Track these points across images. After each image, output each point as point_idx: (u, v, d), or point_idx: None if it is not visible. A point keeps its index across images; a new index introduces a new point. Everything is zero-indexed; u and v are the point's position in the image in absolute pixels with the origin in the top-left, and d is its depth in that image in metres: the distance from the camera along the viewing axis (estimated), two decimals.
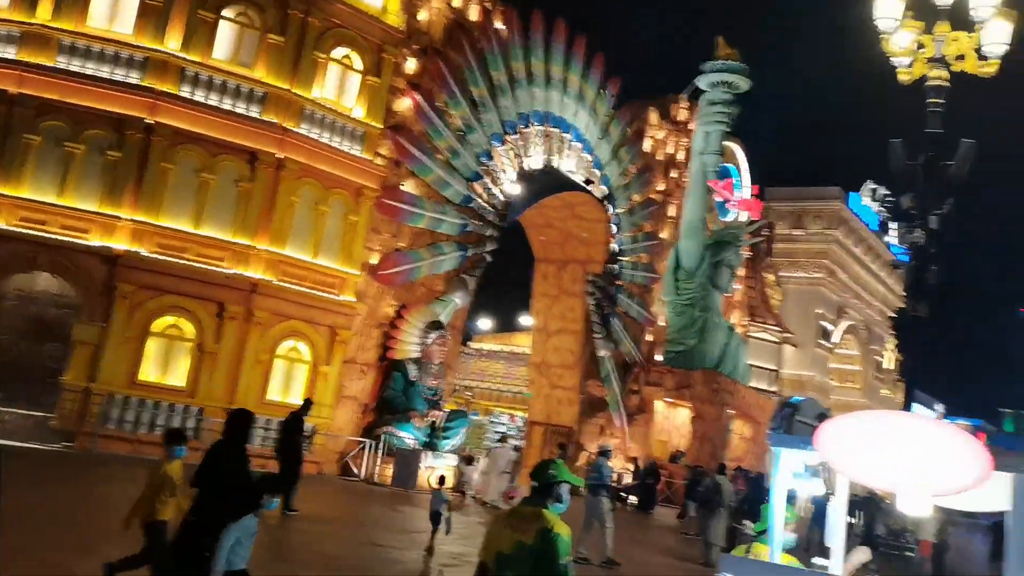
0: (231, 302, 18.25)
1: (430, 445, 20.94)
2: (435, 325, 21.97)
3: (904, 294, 10.46)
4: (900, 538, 18.56)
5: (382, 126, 21.24)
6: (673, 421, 33.89)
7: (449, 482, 19.10)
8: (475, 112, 24.12)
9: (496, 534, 4.25)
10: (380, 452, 20.09)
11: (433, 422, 21.29)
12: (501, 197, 25.31)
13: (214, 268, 18.25)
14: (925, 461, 3.20)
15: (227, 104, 18.74)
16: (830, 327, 49.53)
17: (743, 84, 32.57)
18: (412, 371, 21.52)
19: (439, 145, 23.10)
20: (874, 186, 54.37)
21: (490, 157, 24.86)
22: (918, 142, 10.84)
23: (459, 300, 23.82)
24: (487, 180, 24.81)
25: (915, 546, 16.88)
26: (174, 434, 7.55)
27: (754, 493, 19.36)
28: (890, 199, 55.34)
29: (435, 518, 12.24)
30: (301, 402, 15.58)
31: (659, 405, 33.66)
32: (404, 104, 22.08)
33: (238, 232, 18.61)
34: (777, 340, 42.91)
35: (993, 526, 12.74)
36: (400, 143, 21.73)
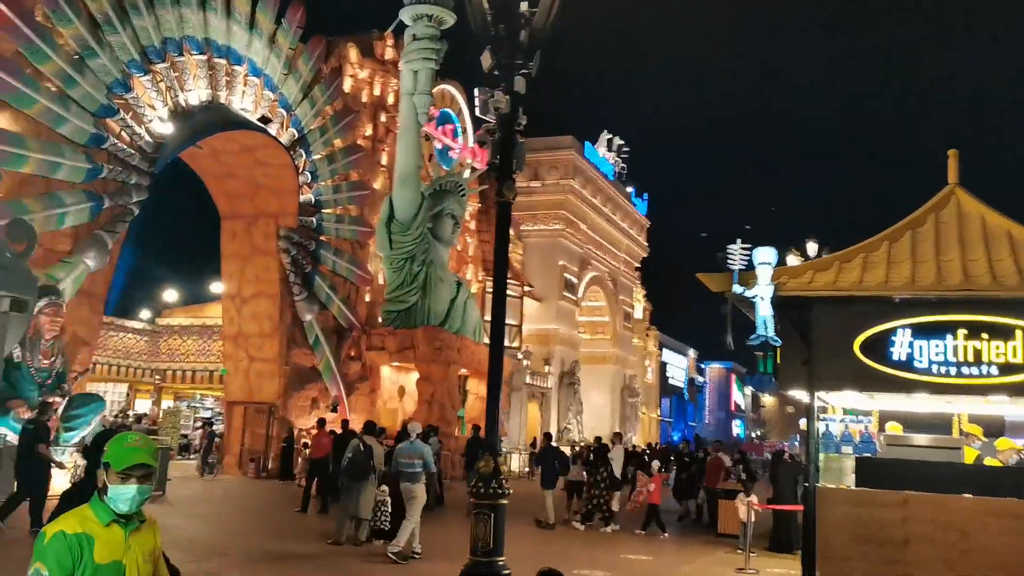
0: None
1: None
2: (44, 291, 17.56)
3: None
4: None
5: None
6: (408, 387, 31.24)
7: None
8: (97, 33, 19.72)
9: None
10: None
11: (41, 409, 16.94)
12: (148, 138, 21.09)
13: None
14: None
15: None
16: (574, 279, 49.00)
17: (448, 18, 29.98)
18: (16, 351, 17.04)
19: (45, 70, 18.54)
20: (610, 136, 54.55)
21: (128, 89, 20.56)
22: None
23: (91, 262, 19.47)
24: (126, 116, 20.52)
25: None
26: None
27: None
28: (626, 150, 55.84)
29: None
30: None
31: (386, 371, 30.87)
32: None
33: None
34: (517, 295, 41.38)
35: None
36: None
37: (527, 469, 34.86)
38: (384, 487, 12.06)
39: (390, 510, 12.11)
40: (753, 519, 13.13)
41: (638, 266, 61.88)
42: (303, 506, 16.66)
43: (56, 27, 18.79)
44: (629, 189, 57.87)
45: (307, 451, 20.62)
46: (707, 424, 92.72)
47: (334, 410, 25.18)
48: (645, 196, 60.20)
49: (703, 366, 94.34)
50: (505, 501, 8.23)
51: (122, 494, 3.08)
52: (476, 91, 8.64)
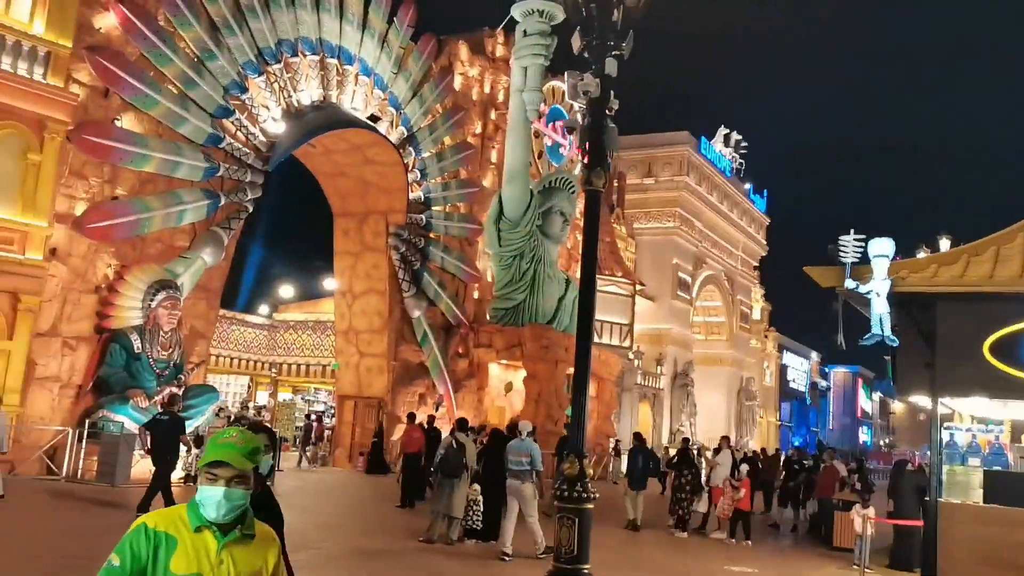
0: None
1: None
2: (163, 285, 18.26)
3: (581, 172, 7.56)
4: None
5: (72, 45, 17.27)
6: (515, 384, 31.11)
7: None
8: (215, 35, 20.38)
9: None
10: (86, 442, 16.37)
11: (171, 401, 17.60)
12: (262, 137, 21.68)
13: None
14: None
15: None
16: (688, 278, 47.76)
17: (558, 13, 29.58)
18: (136, 342, 17.79)
19: (167, 72, 19.30)
20: (727, 131, 52.94)
21: (244, 90, 21.19)
22: None
23: (208, 258, 20.15)
24: (242, 117, 21.15)
25: None
26: None
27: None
28: (744, 146, 54.10)
29: None
30: None
31: (495, 368, 30.80)
32: (108, 20, 18.18)
33: None
34: (628, 293, 40.63)
35: None
36: (103, 66, 17.83)
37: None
38: (476, 486, 11.84)
39: (482, 509, 11.88)
40: (871, 533, 12.22)
41: (756, 265, 59.83)
42: (402, 501, 16.73)
43: (178, 31, 19.52)
44: (747, 186, 56.02)
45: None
46: (831, 430, 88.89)
47: (439, 409, 25.26)
48: (765, 193, 58.15)
49: (827, 370, 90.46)
50: (591, 505, 7.83)
51: (208, 496, 2.67)
52: (565, 75, 8.22)
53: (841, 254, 9.08)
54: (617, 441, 33.27)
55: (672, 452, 24.15)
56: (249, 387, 33.98)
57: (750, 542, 15.62)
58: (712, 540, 15.87)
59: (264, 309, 33.41)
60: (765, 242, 59.44)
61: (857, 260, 9.04)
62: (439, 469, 11.50)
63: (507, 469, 11.42)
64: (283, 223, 55.84)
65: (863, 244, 9.01)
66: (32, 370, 16.53)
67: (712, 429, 44.26)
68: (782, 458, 23.78)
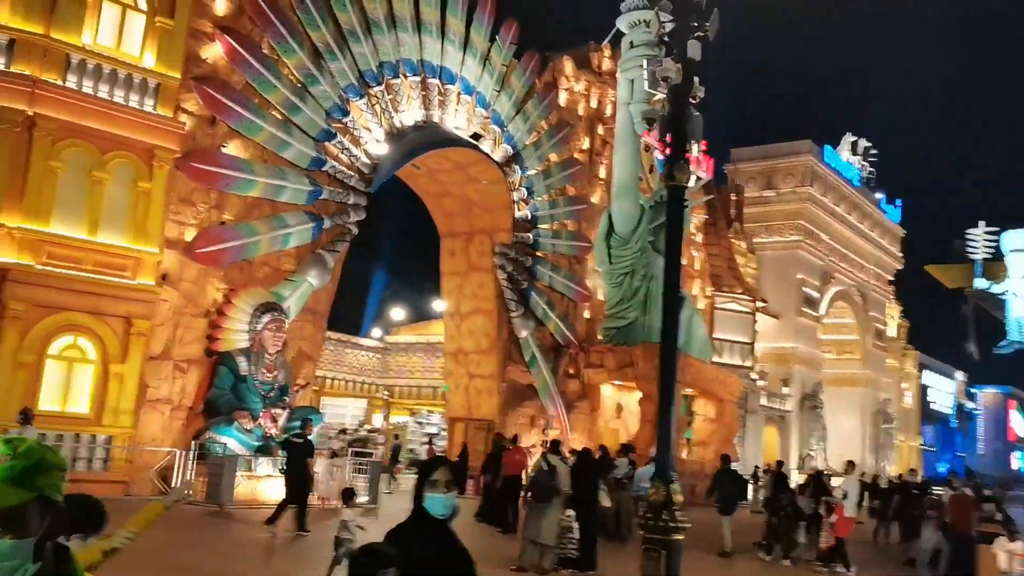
0: None
1: (267, 450, 17.42)
2: (268, 307, 18.44)
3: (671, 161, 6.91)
4: None
5: (180, 76, 17.79)
6: (629, 406, 30.14)
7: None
8: (318, 61, 20.65)
9: None
10: (195, 463, 16.60)
11: (272, 422, 17.74)
12: (365, 159, 21.79)
13: None
14: None
15: None
16: (815, 294, 45.39)
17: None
18: (243, 364, 18.00)
19: (271, 99, 19.65)
20: (854, 138, 50.34)
21: (346, 113, 21.37)
22: None
23: (314, 280, 20.30)
24: (344, 140, 21.32)
25: None
26: None
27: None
28: (874, 153, 51.26)
29: (338, 546, 9.01)
30: None
31: (607, 389, 29.92)
32: (214, 51, 18.67)
33: None
34: (748, 310, 38.93)
35: None
36: (210, 95, 18.29)
37: (760, 497, 32.35)
38: (570, 511, 11.11)
39: (577, 536, 11.14)
40: (1019, 572, 10.74)
41: (891, 279, 56.44)
42: (503, 526, 16.23)
43: (281, 58, 19.87)
44: (878, 196, 53.01)
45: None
46: (981, 455, 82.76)
47: (547, 431, 24.57)
48: (898, 203, 54.86)
49: (974, 390, 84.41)
50: (680, 536, 7.01)
51: None
52: (644, 63, 7.54)
53: (969, 250, 7.95)
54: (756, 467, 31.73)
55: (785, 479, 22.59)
56: (367, 410, 34.30)
57: (851, 572, 14.38)
58: (787, 565, 14.78)
59: (377, 332, 33.77)
60: (901, 254, 56.00)
61: (989, 256, 7.88)
62: (529, 494, 10.86)
63: (644, 497, 10.94)
64: (396, 245, 56.71)
65: (995, 238, 7.85)
66: (144, 392, 16.94)
67: (845, 454, 41.58)
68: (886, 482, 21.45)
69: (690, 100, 7.62)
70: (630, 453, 17.86)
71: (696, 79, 7.66)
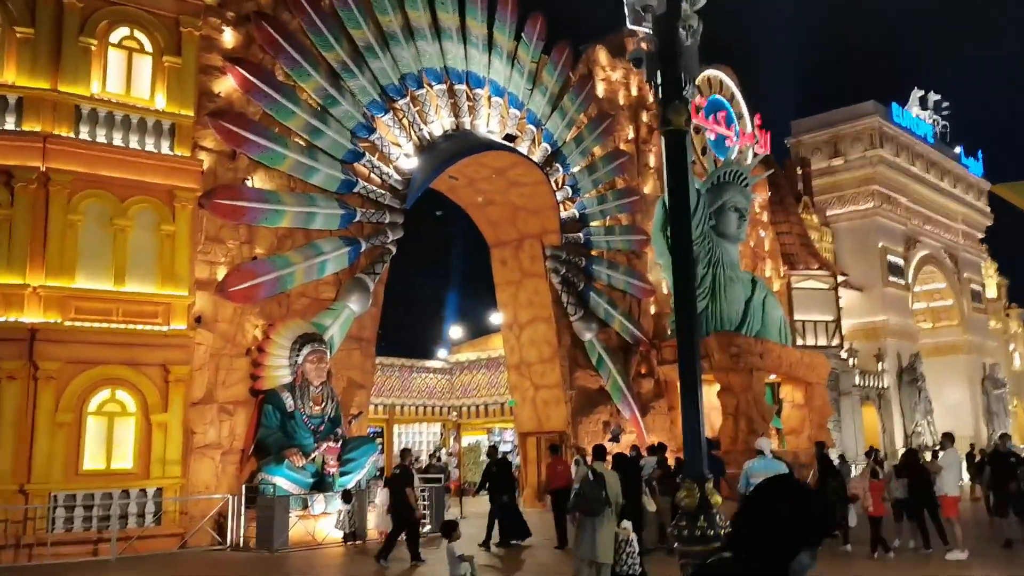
0: (4, 357, 14.59)
1: (322, 486, 16.69)
2: (307, 339, 17.79)
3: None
4: None
5: (193, 114, 17.38)
6: (709, 400, 28.55)
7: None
8: (336, 81, 20.06)
9: None
10: (245, 508, 16.00)
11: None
12: (397, 175, 21.07)
13: None
14: None
15: None
16: (900, 261, 42.77)
17: None
18: (288, 400, 17.37)
19: (292, 125, 19.12)
20: (922, 93, 47.55)
21: (372, 130, 20.70)
22: None
23: (355, 306, 19.60)
24: (373, 158, 20.65)
25: None
26: None
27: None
28: (946, 106, 48.39)
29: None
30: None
31: None
32: (227, 84, 18.23)
33: (2, 271, 14.99)
34: (828, 286, 36.80)
35: None
36: (227, 129, 17.84)
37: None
38: (626, 523, 9.93)
39: (637, 550, 9.95)
40: None
41: (982, 237, 53.00)
42: (559, 541, 15.35)
43: (297, 83, 19.35)
44: (957, 150, 49.88)
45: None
46: None
47: (614, 439, 23.24)
48: (979, 155, 51.52)
49: None
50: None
51: None
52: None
53: None
54: (840, 455, 29.70)
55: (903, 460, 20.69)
56: (442, 434, 33.57)
57: (891, 554, 13.45)
58: (849, 551, 13.31)
59: (442, 352, 33.03)
60: (989, 209, 52.55)
61: None
62: (575, 507, 9.74)
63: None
64: (449, 262, 56.17)
65: None
66: (190, 439, 16.45)
67: (956, 427, 38.82)
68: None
69: (679, 29, 6.48)
70: (661, 452, 16.41)
71: (686, 4, 6.53)
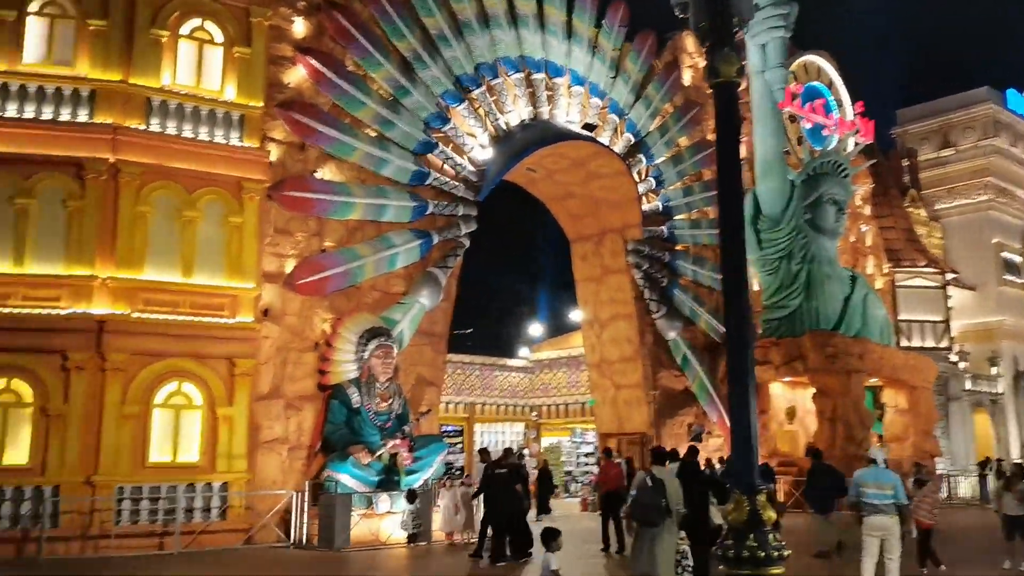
0: (73, 349, 14.67)
1: (388, 484, 16.24)
2: (374, 333, 17.39)
3: None
4: None
5: (262, 104, 17.22)
6: (804, 404, 26.98)
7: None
8: (408, 72, 19.64)
9: None
10: (308, 505, 15.70)
11: (393, 456, 16.57)
12: (471, 167, 20.53)
13: (48, 311, 14.79)
14: None
15: (47, 113, 15.47)
16: (1016, 258, 39.80)
17: None
18: (354, 396, 17.00)
19: (362, 116, 18.80)
20: None
21: (446, 121, 20.22)
22: None
23: (426, 300, 19.14)
24: (447, 149, 20.16)
25: None
26: None
27: None
28: None
29: None
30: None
31: (776, 388, 26.91)
32: (297, 74, 18.03)
33: (72, 263, 15.11)
34: (937, 284, 34.45)
35: None
36: (296, 120, 17.64)
37: (978, 495, 28.08)
38: (681, 534, 9.01)
39: (691, 563, 9.03)
40: None
41: None
42: (604, 544, 14.70)
43: (368, 73, 19.02)
44: None
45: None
46: None
47: (696, 439, 22.06)
48: None
49: None
50: (779, 570, 4.93)
51: None
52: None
53: None
54: (916, 464, 27.69)
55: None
56: (525, 433, 32.94)
57: (942, 567, 12.25)
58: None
59: (524, 351, 32.40)
60: None
61: None
62: (632, 516, 8.88)
63: (862, 503, 9.76)
64: (529, 257, 55.29)
65: None
66: (257, 434, 16.27)
67: None
68: None
69: None
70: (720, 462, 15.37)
71: None
